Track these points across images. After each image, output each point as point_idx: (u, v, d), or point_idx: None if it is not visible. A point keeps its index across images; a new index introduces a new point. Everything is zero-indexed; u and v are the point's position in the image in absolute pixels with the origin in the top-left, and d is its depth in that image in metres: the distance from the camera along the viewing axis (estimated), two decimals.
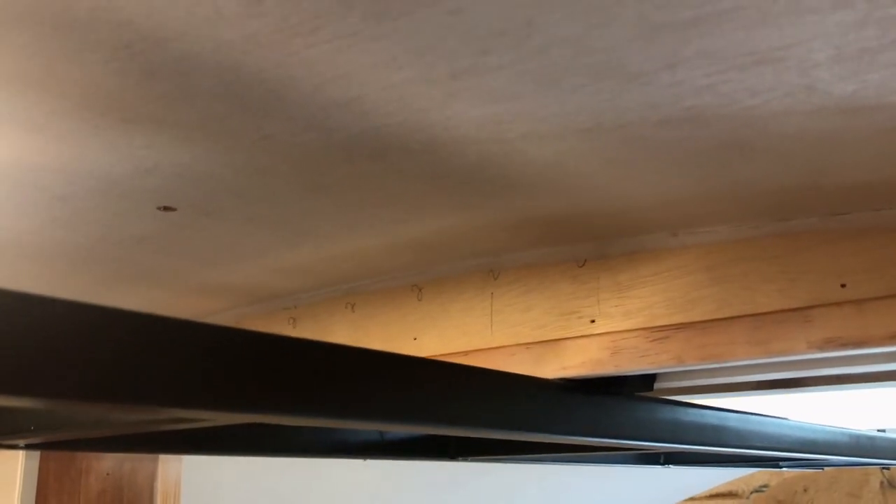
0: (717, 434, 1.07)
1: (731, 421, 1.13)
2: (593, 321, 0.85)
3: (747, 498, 5.71)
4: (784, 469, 2.47)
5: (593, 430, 0.85)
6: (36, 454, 1.27)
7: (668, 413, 0.95)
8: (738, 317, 0.75)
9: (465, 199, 0.72)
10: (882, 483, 4.98)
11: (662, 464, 1.95)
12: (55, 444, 1.02)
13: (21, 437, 0.97)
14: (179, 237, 0.88)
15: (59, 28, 0.47)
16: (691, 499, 5.17)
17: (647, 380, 0.87)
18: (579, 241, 0.85)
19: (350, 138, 0.61)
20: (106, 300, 0.47)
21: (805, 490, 5.65)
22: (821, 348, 0.70)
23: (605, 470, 3.65)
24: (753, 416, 1.25)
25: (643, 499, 4.52)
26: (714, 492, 5.36)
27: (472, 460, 1.48)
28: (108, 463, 1.35)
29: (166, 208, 0.81)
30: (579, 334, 0.85)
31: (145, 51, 0.49)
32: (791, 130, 0.55)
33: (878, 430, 2.39)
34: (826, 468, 2.78)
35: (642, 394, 0.92)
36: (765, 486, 5.64)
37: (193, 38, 0.47)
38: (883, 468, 4.65)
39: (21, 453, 1.26)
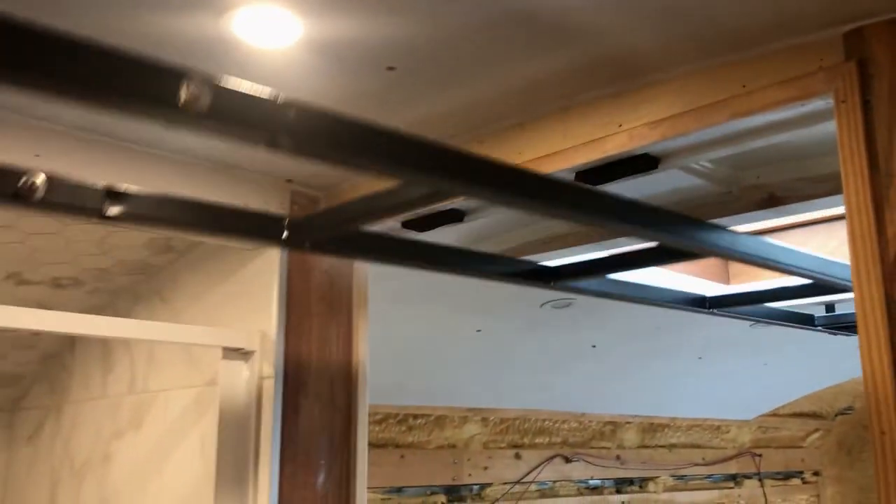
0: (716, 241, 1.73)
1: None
2: (621, 125, 1.57)
3: (832, 419, 6.16)
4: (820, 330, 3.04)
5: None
6: (286, 260, 2.07)
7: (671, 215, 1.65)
8: (688, 111, 1.46)
9: (546, 44, 1.45)
10: None
11: (707, 308, 2.58)
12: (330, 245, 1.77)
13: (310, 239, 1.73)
14: (390, 94, 1.64)
15: None
16: (774, 414, 5.70)
17: (652, 161, 1.58)
18: (612, 82, 1.58)
19: (496, 14, 1.35)
20: None
21: None
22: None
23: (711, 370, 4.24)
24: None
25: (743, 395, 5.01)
26: (797, 410, 5.87)
27: (562, 286, 2.16)
28: (324, 265, 2.15)
29: (390, 68, 1.56)
30: (613, 133, 1.58)
31: None
32: None
33: None
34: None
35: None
36: (850, 408, 6.07)
37: None
38: None
39: (277, 252, 2.07)
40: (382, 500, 3.94)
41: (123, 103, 0.90)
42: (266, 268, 2.07)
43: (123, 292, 2.50)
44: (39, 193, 1.26)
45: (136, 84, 0.88)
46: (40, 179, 1.27)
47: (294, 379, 2.02)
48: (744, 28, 1.36)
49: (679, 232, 1.56)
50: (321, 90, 1.63)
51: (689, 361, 4.27)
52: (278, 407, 1.99)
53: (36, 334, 2.65)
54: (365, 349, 2.19)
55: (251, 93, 0.98)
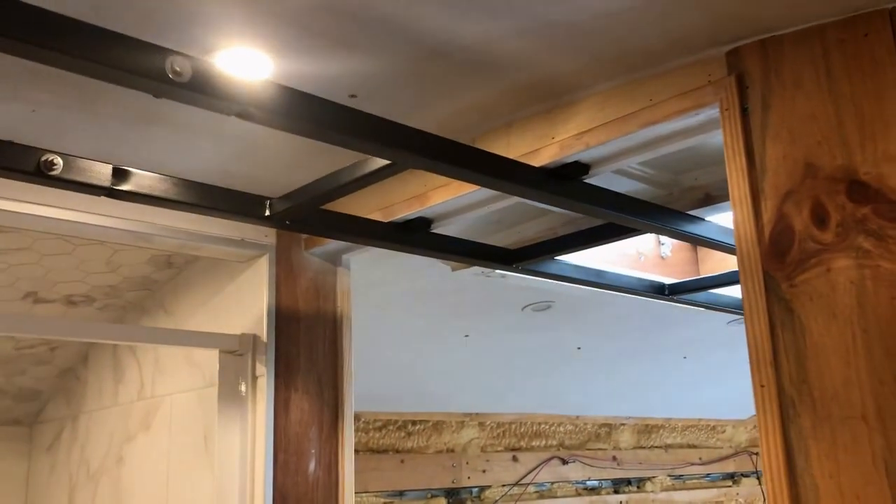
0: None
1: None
2: (553, 138, 1.83)
3: None
4: None
5: (563, 192, 1.82)
6: (275, 263, 2.34)
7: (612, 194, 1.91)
8: (607, 123, 1.72)
9: (483, 72, 1.71)
10: None
11: (667, 294, 2.83)
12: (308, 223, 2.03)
13: (289, 217, 2.00)
14: None
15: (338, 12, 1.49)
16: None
17: (583, 168, 1.84)
18: (543, 101, 1.83)
19: (436, 48, 1.61)
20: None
21: None
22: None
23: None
24: None
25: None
26: None
27: (523, 268, 2.44)
28: (310, 273, 2.41)
29: (352, 96, 1.82)
30: (547, 144, 1.83)
31: (371, 27, 1.50)
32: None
33: None
34: None
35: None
36: None
37: (397, 16, 1.48)
38: None
39: (266, 263, 2.33)
40: (385, 503, 4.16)
41: (122, 75, 1.22)
42: (257, 278, 2.34)
43: (131, 307, 2.77)
44: (56, 170, 1.54)
45: (132, 59, 1.21)
46: (58, 159, 1.55)
47: (284, 377, 2.28)
48: (646, 50, 1.62)
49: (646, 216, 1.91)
50: None
51: (674, 361, 4.49)
52: (271, 402, 2.24)
53: (52, 350, 2.92)
54: (349, 348, 2.44)
55: (226, 70, 1.28)
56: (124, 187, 1.67)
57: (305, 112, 1.43)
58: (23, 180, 1.60)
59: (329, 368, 2.38)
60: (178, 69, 1.26)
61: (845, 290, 1.36)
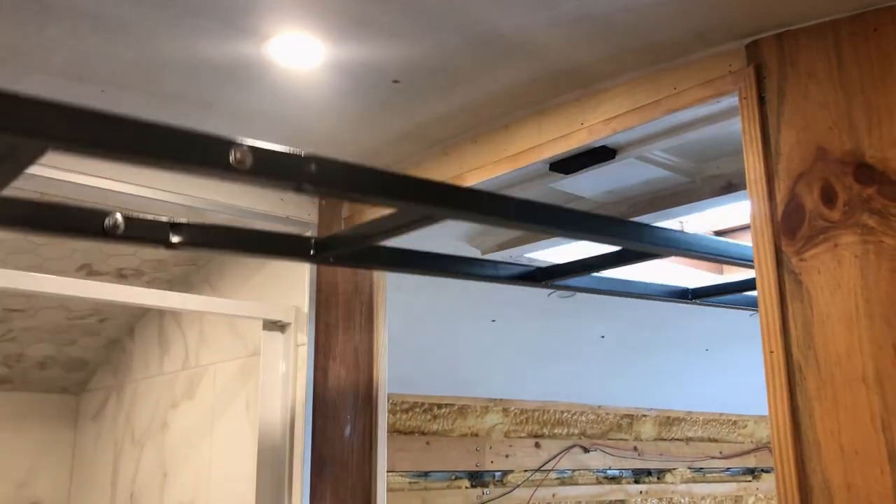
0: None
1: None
2: (582, 123, 1.97)
3: None
4: None
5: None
6: (315, 270, 2.49)
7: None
8: (633, 110, 1.85)
9: (516, 59, 1.85)
10: None
11: (690, 299, 2.92)
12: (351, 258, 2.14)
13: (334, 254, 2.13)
14: (396, 103, 2.05)
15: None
16: None
17: (610, 152, 1.98)
18: (572, 89, 1.97)
19: (474, 36, 1.75)
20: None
21: None
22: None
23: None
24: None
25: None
26: None
27: (553, 285, 2.54)
28: (347, 275, 2.56)
29: (395, 81, 1.97)
30: (577, 129, 1.97)
31: (416, 16, 1.65)
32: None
33: None
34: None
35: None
36: None
37: (441, 6, 1.63)
38: None
39: (307, 271, 2.48)
40: (410, 483, 4.31)
41: (192, 166, 1.26)
42: None
43: (177, 281, 2.94)
44: (121, 230, 1.64)
45: (200, 151, 1.23)
46: (120, 219, 1.63)
47: (323, 346, 2.44)
48: (671, 43, 1.75)
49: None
50: (340, 102, 2.05)
51: (696, 353, 4.59)
52: (310, 369, 2.40)
53: (101, 321, 3.10)
54: (384, 322, 2.59)
55: (283, 152, 1.33)
56: (179, 239, 1.68)
57: (351, 184, 1.42)
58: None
59: (365, 341, 2.54)
60: (239, 158, 1.26)
61: (850, 263, 1.49)
